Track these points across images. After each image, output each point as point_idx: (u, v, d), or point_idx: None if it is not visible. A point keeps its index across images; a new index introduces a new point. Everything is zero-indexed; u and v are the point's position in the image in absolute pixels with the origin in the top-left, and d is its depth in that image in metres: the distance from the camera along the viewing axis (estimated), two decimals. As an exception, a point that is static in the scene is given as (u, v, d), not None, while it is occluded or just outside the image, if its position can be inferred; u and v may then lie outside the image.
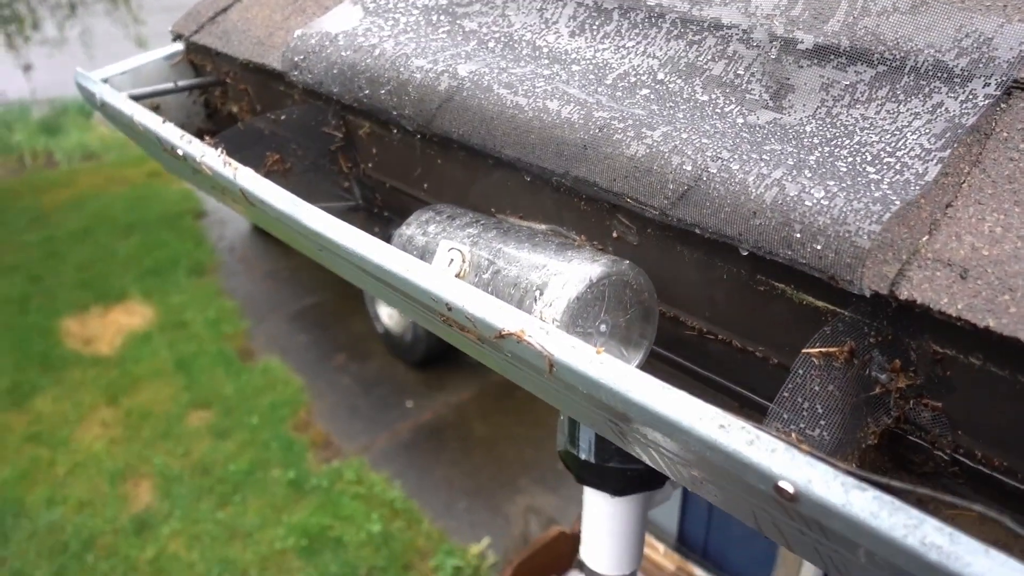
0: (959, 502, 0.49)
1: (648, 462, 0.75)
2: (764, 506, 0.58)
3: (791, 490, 0.51)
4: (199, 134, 1.20)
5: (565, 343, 0.62)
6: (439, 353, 5.14)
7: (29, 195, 7.92)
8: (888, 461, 0.68)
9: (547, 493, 4.25)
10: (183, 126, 1.40)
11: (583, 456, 1.00)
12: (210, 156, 0.97)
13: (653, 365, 0.83)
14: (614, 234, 0.80)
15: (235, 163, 0.94)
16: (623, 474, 1.00)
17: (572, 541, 1.47)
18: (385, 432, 4.76)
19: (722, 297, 0.74)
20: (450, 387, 5.09)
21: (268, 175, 1.12)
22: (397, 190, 1.07)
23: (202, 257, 6.66)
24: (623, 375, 0.59)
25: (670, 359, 0.85)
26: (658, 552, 1.68)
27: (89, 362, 5.34)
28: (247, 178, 0.91)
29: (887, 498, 0.48)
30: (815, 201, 0.61)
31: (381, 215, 1.14)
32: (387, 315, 5.26)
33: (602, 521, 1.05)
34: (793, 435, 0.59)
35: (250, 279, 6.36)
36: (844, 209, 0.60)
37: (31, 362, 5.32)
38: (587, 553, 1.10)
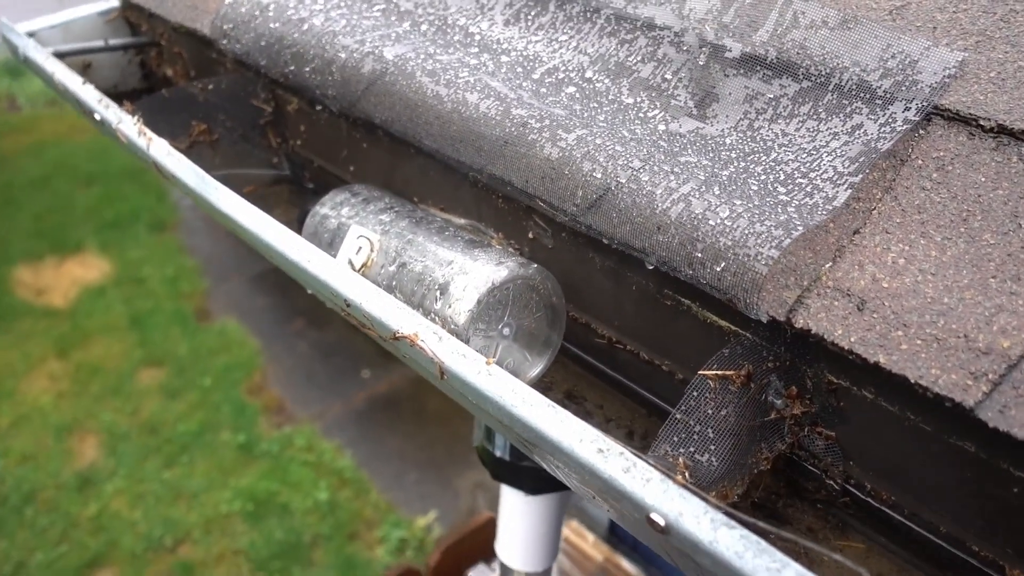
0: (823, 550, 0.48)
1: (554, 474, 0.74)
2: (646, 535, 0.57)
3: (662, 523, 0.49)
4: (135, 96, 1.15)
5: (457, 351, 0.60)
6: (398, 324, 5.11)
7: (-12, 138, 7.71)
8: (782, 487, 0.67)
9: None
10: (116, 87, 1.35)
11: (498, 453, 0.99)
12: (126, 123, 0.93)
13: (566, 365, 0.82)
14: (530, 235, 0.78)
15: (150, 133, 0.90)
16: (538, 473, 0.98)
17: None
18: (339, 401, 4.73)
19: (631, 308, 0.72)
20: (408, 358, 5.07)
21: (193, 145, 1.08)
22: (324, 170, 1.04)
23: (164, 213, 6.53)
24: (510, 389, 0.57)
25: (584, 360, 0.83)
26: (587, 542, 1.69)
27: (40, 313, 5.23)
28: (160, 150, 0.88)
29: (754, 538, 0.47)
30: (719, 221, 0.59)
31: (309, 189, 1.11)
32: (348, 282, 5.21)
33: (517, 518, 1.04)
34: (680, 460, 0.58)
35: (212, 238, 6.25)
36: (746, 231, 0.58)
37: (-20, 310, 5.21)
38: (502, 548, 1.09)
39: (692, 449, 0.59)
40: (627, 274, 0.70)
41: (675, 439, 0.59)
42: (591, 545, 1.69)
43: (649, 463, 0.51)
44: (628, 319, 0.73)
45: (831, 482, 0.64)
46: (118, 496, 4.00)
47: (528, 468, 0.98)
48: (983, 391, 0.50)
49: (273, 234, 0.74)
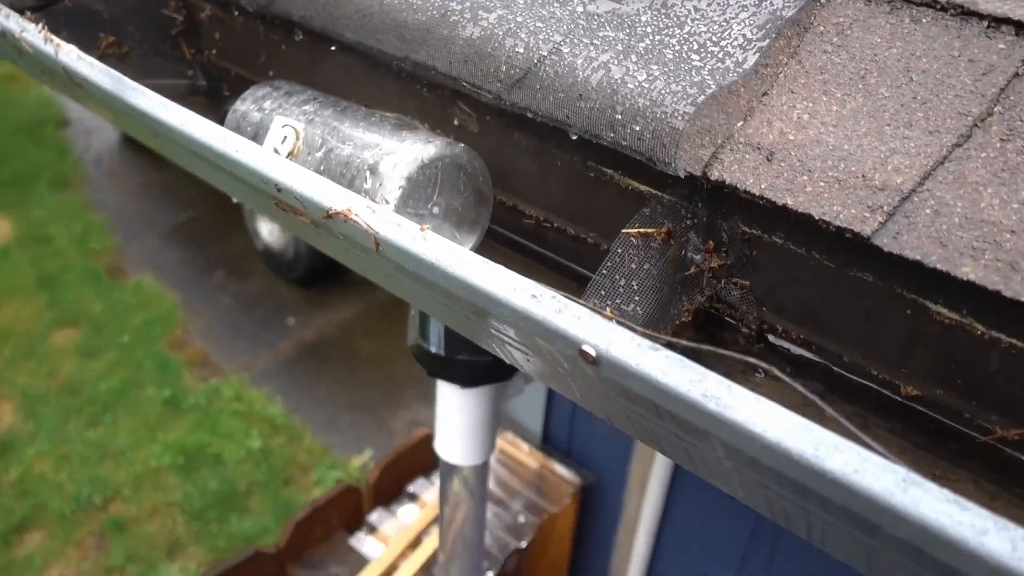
0: (738, 356, 0.53)
1: (490, 349, 0.77)
2: (580, 380, 0.61)
3: (593, 353, 0.53)
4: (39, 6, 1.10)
5: (391, 221, 0.62)
6: (321, 270, 5.06)
7: None
8: (704, 339, 0.72)
9: (431, 407, 4.30)
10: (12, 5, 1.28)
11: (433, 350, 1.01)
12: (30, 32, 0.90)
13: (495, 248, 0.84)
14: (455, 122, 0.79)
15: (57, 40, 0.87)
16: (472, 366, 1.02)
17: (437, 442, 1.50)
18: (266, 350, 4.68)
19: (556, 185, 0.75)
20: (334, 305, 5.03)
21: (102, 59, 1.05)
22: (242, 78, 1.03)
23: (66, 169, 6.23)
24: (444, 251, 0.59)
25: (513, 241, 0.86)
26: (523, 451, 1.75)
27: (-61, 278, 4.98)
28: (70, 56, 0.85)
29: (676, 356, 0.51)
30: (637, 83, 0.62)
31: (225, 98, 1.09)
32: (267, 231, 5.10)
33: (454, 413, 1.08)
34: (607, 310, 0.62)
35: (119, 193, 6.02)
36: (663, 91, 0.61)
37: None
38: (440, 444, 1.12)
39: (618, 301, 0.63)
40: (551, 150, 0.73)
41: (602, 292, 0.63)
42: (526, 454, 1.75)
43: (579, 303, 0.54)
44: (554, 197, 0.76)
45: (747, 329, 0.69)
46: (41, 459, 3.89)
47: (462, 361, 1.01)
48: (879, 221, 0.55)
49: (197, 127, 0.74)
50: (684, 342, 0.52)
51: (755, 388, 0.66)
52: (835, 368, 0.65)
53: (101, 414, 4.14)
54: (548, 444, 1.80)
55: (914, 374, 0.61)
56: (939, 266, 0.53)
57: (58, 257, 5.23)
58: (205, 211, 5.80)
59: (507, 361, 0.74)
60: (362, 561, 1.52)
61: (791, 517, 0.58)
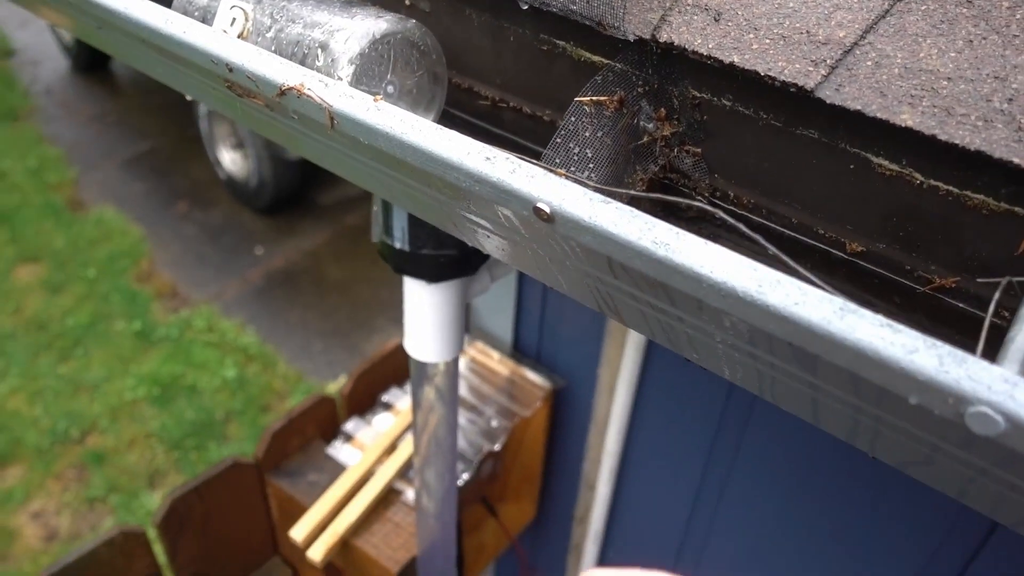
0: (687, 201, 0.54)
1: (451, 230, 0.78)
2: (539, 249, 0.62)
3: (547, 210, 0.54)
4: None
5: (344, 93, 0.62)
6: (287, 198, 5.00)
7: None
8: (659, 210, 0.73)
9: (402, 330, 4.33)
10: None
11: (398, 245, 1.02)
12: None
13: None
14: (406, 1, 0.78)
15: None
16: (436, 260, 1.03)
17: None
18: (235, 280, 4.65)
19: (510, 62, 0.75)
20: (301, 232, 4.99)
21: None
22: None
23: (14, 101, 6.03)
24: (398, 120, 0.59)
25: (470, 124, 0.86)
26: (493, 359, 1.78)
27: None
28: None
29: (626, 209, 0.52)
30: (585, -55, 0.62)
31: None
32: (229, 160, 5.02)
33: (421, 309, 1.09)
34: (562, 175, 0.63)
35: (74, 124, 5.85)
36: (611, -48, 0.61)
37: None
38: (409, 343, 1.14)
39: (572, 169, 0.64)
40: (504, 25, 0.73)
41: (556, 160, 0.64)
42: (497, 362, 1.78)
43: (533, 163, 0.55)
44: (508, 75, 0.76)
45: (700, 197, 0.70)
46: (14, 395, 3.88)
47: (427, 256, 1.02)
48: (822, 74, 0.56)
49: (143, 11, 0.72)
50: (634, 192, 0.53)
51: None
52: (785, 231, 0.67)
53: (71, 349, 4.12)
54: (518, 352, 1.84)
55: (858, 230, 0.63)
56: (879, 115, 0.54)
57: (14, 192, 5.11)
58: (164, 141, 5.67)
59: (469, 242, 0.75)
60: (339, 468, 1.55)
61: (745, 371, 0.60)
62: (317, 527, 1.42)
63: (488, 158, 0.56)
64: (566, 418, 1.85)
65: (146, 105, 6.06)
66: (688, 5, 0.62)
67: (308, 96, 0.63)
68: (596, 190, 0.52)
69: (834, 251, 0.65)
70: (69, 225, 4.87)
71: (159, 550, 1.39)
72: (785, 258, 0.49)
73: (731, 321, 0.50)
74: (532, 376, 1.76)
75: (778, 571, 1.65)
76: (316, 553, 1.39)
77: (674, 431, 1.70)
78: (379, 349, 1.70)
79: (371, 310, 4.48)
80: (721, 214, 0.52)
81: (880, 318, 0.44)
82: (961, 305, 0.60)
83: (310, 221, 5.07)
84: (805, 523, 1.53)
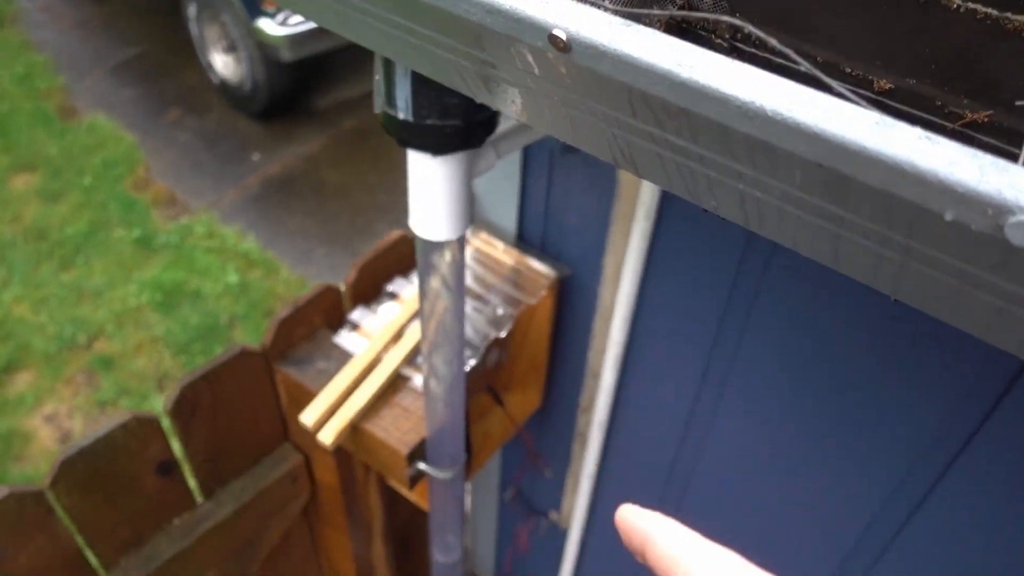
0: (712, 16, 0.51)
1: (457, 85, 0.74)
2: (551, 92, 0.59)
3: (564, 37, 0.51)
4: None
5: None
6: (282, 103, 4.90)
7: None
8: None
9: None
10: None
11: (401, 116, 0.99)
12: None
13: None
14: None
15: None
16: (442, 131, 1.00)
17: (412, 244, 1.52)
18: (233, 186, 4.61)
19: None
20: (298, 138, 4.91)
21: None
22: None
23: (-3, 6, 5.85)
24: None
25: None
26: (497, 249, 1.76)
27: None
28: None
29: (648, 31, 0.49)
30: None
31: None
32: (222, 64, 4.89)
33: (426, 184, 1.07)
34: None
35: (59, 30, 5.68)
36: None
37: None
38: (414, 220, 1.12)
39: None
40: None
41: (571, -3, 0.60)
42: (502, 252, 1.77)
43: (547, -12, 0.52)
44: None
45: (720, 41, 0.67)
46: (18, 303, 3.90)
47: (432, 126, 0.99)
48: None
49: None
50: (655, 11, 0.50)
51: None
52: (812, 69, 0.64)
53: (72, 256, 4.11)
54: (523, 241, 1.82)
55: (887, 66, 0.60)
56: (919, -73, 0.51)
57: (4, 100, 5.00)
58: (154, 46, 5.52)
59: (478, 98, 0.72)
60: (346, 356, 1.56)
61: (765, 212, 0.58)
62: (327, 412, 1.44)
63: (500, -15, 0.53)
64: (571, 307, 1.85)
65: (133, 9, 5.87)
66: None
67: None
68: (614, 11, 0.50)
69: (862, 90, 0.62)
70: (62, 133, 4.79)
71: (173, 441, 1.41)
72: (818, 73, 0.47)
73: (757, 146, 0.48)
74: (537, 265, 1.75)
75: (784, 459, 1.68)
76: (327, 437, 1.41)
77: (678, 319, 1.70)
78: (383, 239, 1.69)
79: (371, 215, 4.45)
80: (750, 27, 0.49)
81: (918, 130, 0.42)
82: (994, 141, 0.58)
83: (306, 126, 4.98)
84: (813, 408, 1.55)
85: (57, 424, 3.38)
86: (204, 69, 5.02)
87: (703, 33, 0.69)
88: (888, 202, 0.45)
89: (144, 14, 5.82)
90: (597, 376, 1.91)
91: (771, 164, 0.49)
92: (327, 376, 1.48)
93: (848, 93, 0.44)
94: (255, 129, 4.96)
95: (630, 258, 1.67)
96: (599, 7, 0.50)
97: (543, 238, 1.83)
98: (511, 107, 0.71)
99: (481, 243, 1.79)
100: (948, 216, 0.42)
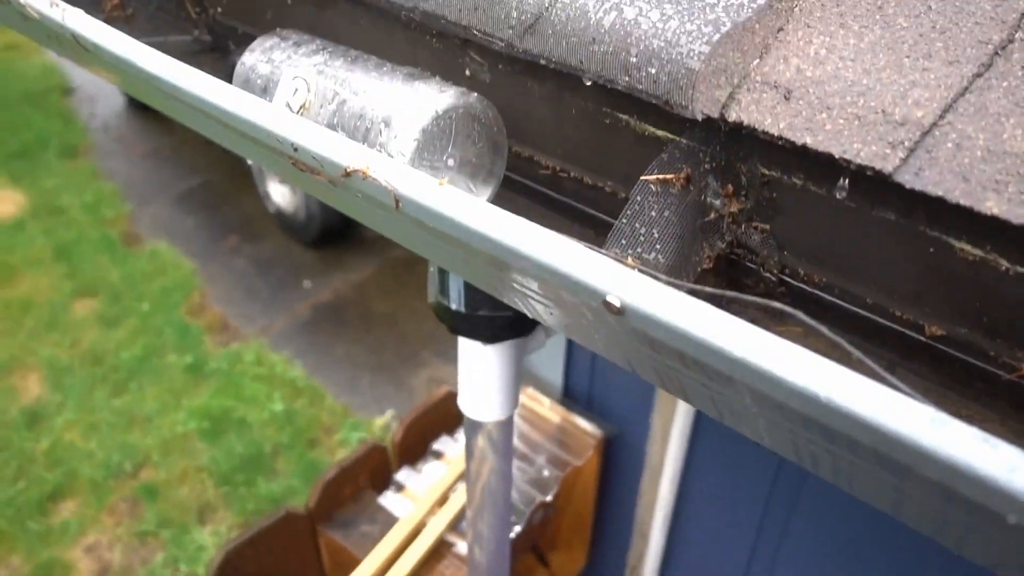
0: (761, 301, 0.52)
1: (511, 303, 0.77)
2: (604, 331, 0.61)
3: (617, 303, 0.53)
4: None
5: (409, 176, 0.62)
6: (335, 231, 5.07)
7: None
8: (725, 285, 0.72)
9: (449, 364, 4.34)
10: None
11: (454, 306, 1.02)
12: (34, -2, 0.89)
13: (512, 198, 0.84)
14: (467, 72, 0.78)
15: (62, 3, 0.86)
16: (493, 322, 1.02)
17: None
18: (284, 313, 4.71)
19: (572, 133, 0.74)
20: (348, 265, 5.05)
21: (108, 22, 1.04)
22: (249, 36, 1.02)
23: (73, 137, 6.23)
24: (464, 205, 0.59)
25: (530, 189, 0.85)
26: (543, 405, 1.76)
27: (-42, 253, 5.02)
28: (77, 20, 0.84)
29: (701, 304, 0.50)
30: (651, 24, 0.61)
31: (232, 53, 1.08)
32: (278, 193, 5.10)
33: (476, 369, 1.08)
34: (628, 259, 0.62)
35: (129, 160, 6.02)
36: (677, 31, 0.60)
37: None
38: (464, 401, 1.13)
39: (639, 250, 0.63)
40: (565, 98, 0.72)
41: (623, 242, 0.63)
42: (548, 408, 1.76)
43: (601, 252, 0.54)
44: (569, 145, 0.76)
45: (768, 274, 0.68)
46: (70, 428, 3.96)
47: (483, 317, 1.01)
48: (900, 157, 0.55)
49: (209, 89, 0.73)
50: (708, 289, 0.52)
51: (780, 334, 0.66)
52: (859, 311, 0.64)
53: (126, 382, 4.20)
54: (569, 398, 1.82)
55: (938, 313, 0.60)
56: (962, 201, 0.52)
57: (73, 227, 5.26)
58: (215, 175, 5.80)
59: (529, 315, 0.74)
60: (391, 519, 1.54)
61: (818, 461, 0.58)
62: (369, 579, 1.41)
63: (556, 246, 0.55)
64: (618, 465, 1.82)
65: (198, 141, 6.21)
66: (757, 82, 0.61)
67: (373, 179, 0.63)
68: (668, 283, 0.51)
69: (912, 334, 0.62)
70: (124, 259, 4.99)
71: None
72: (870, 363, 0.47)
73: (812, 423, 0.48)
74: (583, 423, 1.74)
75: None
76: (368, 606, 1.38)
77: (730, 478, 1.66)
78: (429, 395, 1.70)
79: (417, 343, 4.50)
80: (789, 310, 0.51)
81: (976, 431, 0.42)
82: (1052, 394, 0.57)
83: (357, 254, 5.12)
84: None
85: (97, 556, 3.37)
86: (261, 198, 5.24)
87: (752, 265, 0.71)
88: (948, 492, 0.44)
89: (208, 145, 6.14)
90: (645, 535, 1.86)
91: (827, 436, 0.49)
92: (371, 541, 1.46)
93: (903, 385, 0.45)
94: (308, 256, 5.11)
95: (679, 416, 1.65)
96: (651, 273, 0.52)
97: (589, 394, 1.82)
98: (563, 331, 0.73)
99: (527, 398, 1.79)
100: (1011, 520, 0.41)
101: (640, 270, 0.53)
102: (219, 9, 1.03)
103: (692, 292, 0.51)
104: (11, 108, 6.56)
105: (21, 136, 6.18)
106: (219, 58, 1.08)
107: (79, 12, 0.83)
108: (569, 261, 0.54)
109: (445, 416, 1.69)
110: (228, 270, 5.00)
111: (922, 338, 0.62)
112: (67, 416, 4.00)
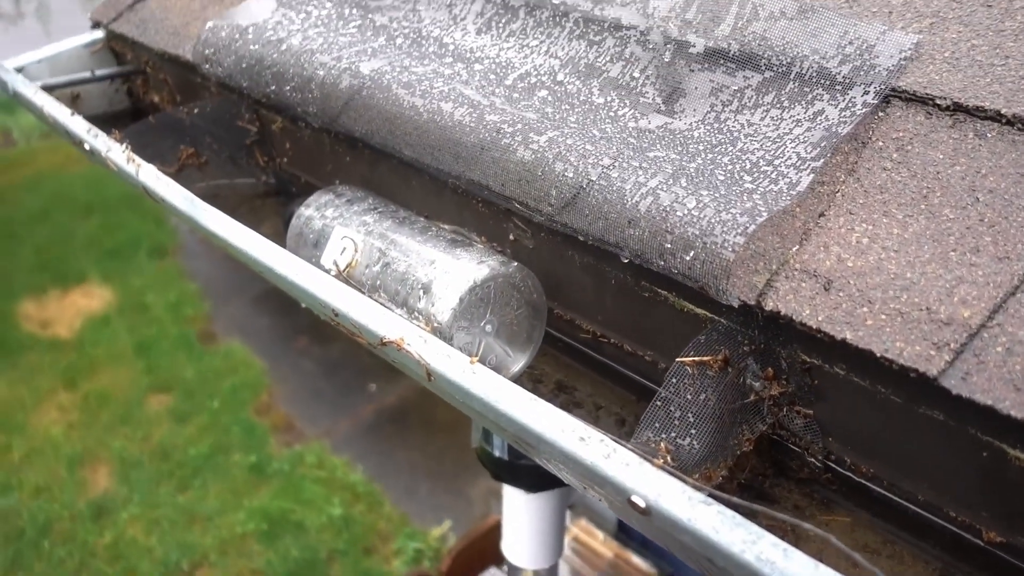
0: (792, 520, 0.50)
1: (547, 468, 0.75)
2: (636, 520, 0.59)
3: (643, 504, 0.51)
4: (123, 122, 1.17)
5: (441, 352, 0.62)
6: (402, 336, 5.13)
7: (-14, 175, 7.76)
8: (768, 467, 0.69)
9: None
10: (105, 115, 1.37)
11: (496, 453, 1.00)
12: (115, 151, 0.95)
13: (555, 356, 0.83)
14: (511, 236, 0.80)
15: (138, 159, 0.92)
16: (536, 471, 1.00)
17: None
18: (347, 416, 4.75)
19: (611, 302, 0.74)
20: (413, 370, 5.08)
21: (183, 169, 1.11)
22: (311, 185, 1.06)
23: (163, 238, 6.56)
24: (494, 387, 0.59)
25: (572, 349, 0.84)
26: (597, 540, 1.70)
27: (46, 345, 5.27)
28: (149, 175, 0.90)
29: (729, 513, 0.48)
30: (687, 211, 0.61)
31: (296, 195, 1.13)
32: (350, 298, 5.23)
33: (520, 517, 1.06)
34: (662, 444, 0.60)
35: (211, 261, 6.28)
36: (712, 220, 0.60)
37: (-13, 346, 5.24)
38: (507, 548, 1.11)
39: (673, 434, 0.61)
40: (605, 269, 0.72)
41: (656, 425, 0.61)
42: (601, 543, 1.70)
43: (629, 448, 0.53)
44: (609, 313, 0.75)
45: (812, 459, 0.65)
46: (133, 523, 4.01)
47: (526, 466, 1.00)
48: (946, 360, 0.52)
49: (261, 250, 0.76)
50: (737, 500, 0.50)
51: (827, 522, 0.63)
52: (911, 506, 0.61)
53: (191, 479, 4.26)
54: (623, 533, 1.75)
55: (996, 519, 0.56)
56: (1013, 413, 0.49)
57: (154, 324, 5.47)
58: (292, 278, 5.99)
59: (566, 482, 0.73)
60: (434, 652, 1.49)
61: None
62: None
63: (582, 438, 0.54)
64: (673, 606, 1.74)
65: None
66: (796, 270, 0.60)
67: (407, 352, 0.63)
68: (695, 486, 0.49)
69: (968, 536, 0.58)
70: (200, 357, 5.14)
71: None
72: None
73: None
74: (638, 561, 1.67)
75: None
76: None
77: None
78: (479, 524, 1.66)
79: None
80: (822, 533, 0.48)
81: None
82: None
83: (422, 358, 5.16)
84: None
85: (148, 659, 3.34)
86: (334, 301, 5.38)
87: (795, 448, 0.68)
88: None
89: (288, 248, 6.39)
90: None
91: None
92: None
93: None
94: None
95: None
96: (679, 477, 0.50)
97: (644, 529, 1.76)
98: (598, 503, 0.71)
99: (579, 531, 1.74)
100: None
101: (668, 470, 0.51)
102: (285, 159, 1.09)
103: (720, 500, 0.49)
104: (109, 210, 6.98)
105: (116, 236, 6.55)
106: (282, 201, 1.13)
107: (151, 169, 0.89)
108: (594, 453, 0.53)
109: (494, 547, 1.65)
110: (296, 371, 5.09)
111: (979, 542, 0.58)
112: (132, 511, 4.05)
